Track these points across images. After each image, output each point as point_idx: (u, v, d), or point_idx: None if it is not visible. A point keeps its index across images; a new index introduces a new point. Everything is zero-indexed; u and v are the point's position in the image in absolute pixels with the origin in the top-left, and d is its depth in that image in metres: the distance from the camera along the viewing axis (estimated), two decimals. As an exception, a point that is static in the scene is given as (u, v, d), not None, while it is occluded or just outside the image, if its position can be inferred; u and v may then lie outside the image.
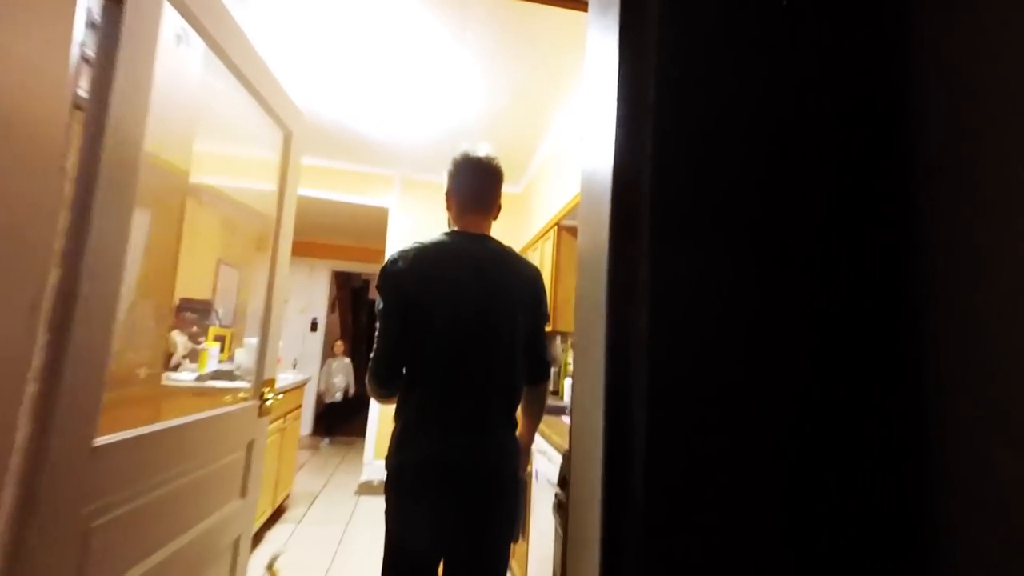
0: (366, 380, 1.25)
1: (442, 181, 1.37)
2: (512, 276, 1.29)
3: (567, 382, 2.76)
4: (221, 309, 2.35)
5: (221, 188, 2.09)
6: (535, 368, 1.34)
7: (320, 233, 5.90)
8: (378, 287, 1.25)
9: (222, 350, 2.30)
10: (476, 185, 1.31)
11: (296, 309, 6.19)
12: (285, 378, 3.41)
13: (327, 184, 4.19)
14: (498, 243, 1.32)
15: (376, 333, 1.24)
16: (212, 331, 2.31)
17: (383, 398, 1.26)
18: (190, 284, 2.08)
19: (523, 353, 1.29)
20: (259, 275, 1.70)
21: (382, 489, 1.24)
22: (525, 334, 1.28)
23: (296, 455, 3.78)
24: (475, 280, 1.22)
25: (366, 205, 4.28)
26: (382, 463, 1.30)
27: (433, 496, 1.17)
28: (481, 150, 1.31)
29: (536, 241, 3.33)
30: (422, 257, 1.23)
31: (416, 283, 1.20)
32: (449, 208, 1.35)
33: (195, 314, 2.21)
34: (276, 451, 3.03)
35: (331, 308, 6.93)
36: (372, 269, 6.00)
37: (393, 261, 1.23)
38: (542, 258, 3.06)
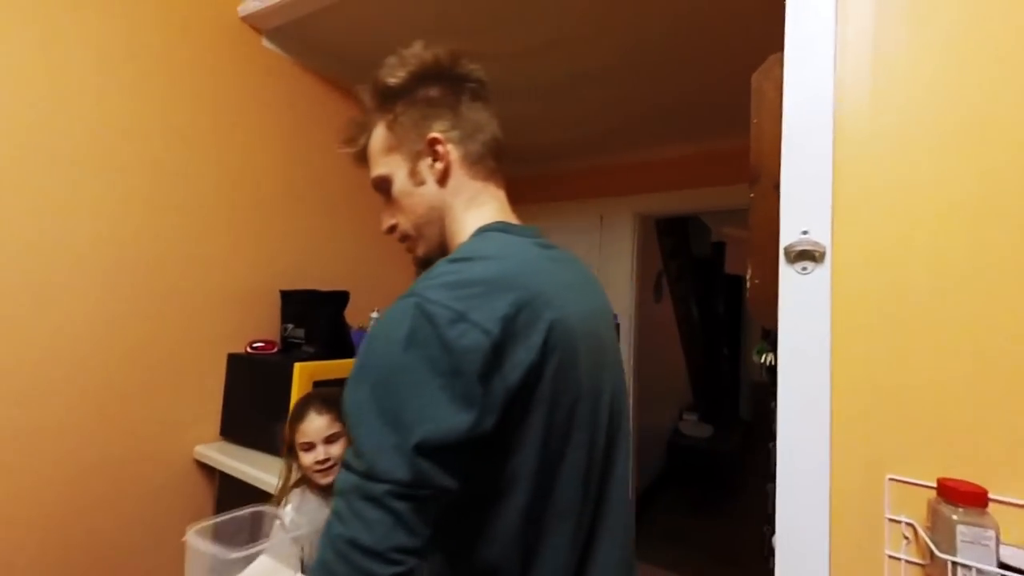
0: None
1: None
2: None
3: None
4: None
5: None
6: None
7: (613, 143, 2.56)
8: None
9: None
10: (492, 122, 0.68)
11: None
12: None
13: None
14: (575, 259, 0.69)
15: None
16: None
17: None
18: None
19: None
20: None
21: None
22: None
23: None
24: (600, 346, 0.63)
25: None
26: None
27: None
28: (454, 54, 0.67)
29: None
30: (557, 301, 0.54)
31: (579, 367, 0.55)
32: (444, 168, 0.64)
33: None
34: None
35: (655, 294, 3.43)
36: (730, 198, 2.47)
37: (508, 315, 0.48)
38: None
